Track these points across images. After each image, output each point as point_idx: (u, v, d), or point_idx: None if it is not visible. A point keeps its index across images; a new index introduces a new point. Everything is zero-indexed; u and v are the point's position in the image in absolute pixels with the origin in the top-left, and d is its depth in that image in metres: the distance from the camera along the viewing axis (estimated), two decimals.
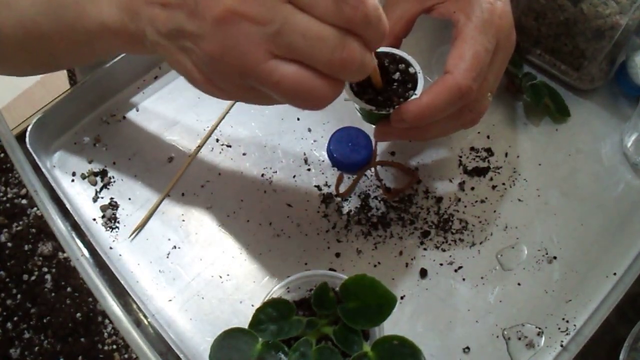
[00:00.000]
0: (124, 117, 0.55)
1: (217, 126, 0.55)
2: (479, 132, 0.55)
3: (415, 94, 0.42)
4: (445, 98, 0.40)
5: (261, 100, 0.35)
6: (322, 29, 0.31)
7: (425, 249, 0.50)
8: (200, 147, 0.54)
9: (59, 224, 0.45)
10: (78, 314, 0.47)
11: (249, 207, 0.51)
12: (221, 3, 0.30)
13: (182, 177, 0.52)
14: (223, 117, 0.55)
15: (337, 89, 0.34)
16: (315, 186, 0.52)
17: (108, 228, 0.50)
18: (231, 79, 0.33)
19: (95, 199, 0.51)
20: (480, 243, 0.50)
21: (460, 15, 0.42)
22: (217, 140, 0.54)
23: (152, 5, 0.33)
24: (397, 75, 0.43)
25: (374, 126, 0.46)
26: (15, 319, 0.46)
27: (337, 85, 0.33)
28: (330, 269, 0.48)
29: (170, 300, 0.47)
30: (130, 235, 0.49)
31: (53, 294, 0.47)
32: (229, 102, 0.56)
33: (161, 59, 0.58)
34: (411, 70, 0.44)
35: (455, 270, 0.49)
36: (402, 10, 0.45)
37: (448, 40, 0.43)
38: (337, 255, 0.49)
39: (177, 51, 0.34)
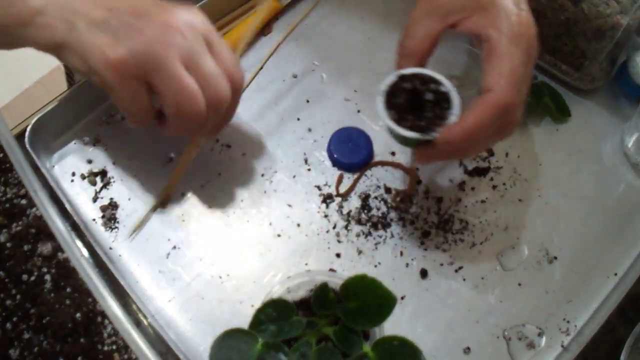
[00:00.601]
0: (124, 117, 0.55)
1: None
2: None
3: (453, 114, 0.41)
4: (491, 117, 0.40)
5: (138, 105, 0.43)
6: (222, 75, 0.42)
7: (425, 249, 0.50)
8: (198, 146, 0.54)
9: (58, 224, 0.45)
10: (78, 314, 0.46)
11: (249, 207, 0.51)
12: (171, 19, 0.41)
13: (182, 177, 0.52)
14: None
15: (212, 129, 0.47)
16: (315, 186, 0.52)
17: (108, 228, 0.50)
18: (144, 63, 0.40)
19: (95, 199, 0.51)
20: (481, 243, 0.50)
21: (492, 30, 0.41)
22: (217, 140, 0.54)
23: (93, 3, 0.41)
24: (430, 96, 0.42)
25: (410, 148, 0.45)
26: (15, 319, 0.46)
27: (214, 125, 0.45)
28: (330, 269, 0.48)
29: (170, 301, 0.47)
30: (130, 235, 0.49)
31: (53, 294, 0.47)
32: None
33: None
34: (442, 88, 0.43)
35: (456, 271, 0.49)
36: (425, 28, 0.44)
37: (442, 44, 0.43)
38: (337, 255, 0.49)
39: (97, 33, 0.40)
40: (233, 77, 0.44)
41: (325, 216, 0.51)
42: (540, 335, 0.46)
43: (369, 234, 0.50)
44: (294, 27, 0.62)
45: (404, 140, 0.43)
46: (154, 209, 0.51)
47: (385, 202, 0.51)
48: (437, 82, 0.43)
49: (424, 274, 0.49)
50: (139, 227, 0.50)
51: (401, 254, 0.49)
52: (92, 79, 0.42)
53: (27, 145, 0.50)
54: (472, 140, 0.40)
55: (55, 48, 0.42)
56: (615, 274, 0.49)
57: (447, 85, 0.43)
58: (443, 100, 0.42)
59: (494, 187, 0.53)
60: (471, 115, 0.40)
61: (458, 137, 0.40)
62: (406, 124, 0.42)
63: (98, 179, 0.52)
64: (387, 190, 0.52)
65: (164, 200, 0.51)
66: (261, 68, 0.59)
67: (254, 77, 0.58)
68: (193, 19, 0.43)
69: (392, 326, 0.46)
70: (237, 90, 0.45)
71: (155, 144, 0.54)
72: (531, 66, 0.42)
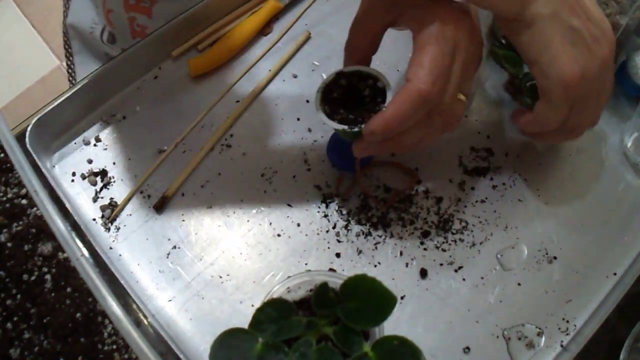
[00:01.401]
0: (124, 117, 0.55)
1: (225, 132, 0.55)
2: (479, 132, 0.55)
3: (384, 107, 0.43)
4: (408, 105, 0.40)
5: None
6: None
7: (425, 249, 0.50)
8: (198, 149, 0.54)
9: (58, 224, 0.45)
10: (78, 314, 0.46)
11: (249, 207, 0.51)
12: (608, 54, 0.42)
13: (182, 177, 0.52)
14: (232, 123, 0.55)
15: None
16: (315, 186, 0.52)
17: (108, 228, 0.50)
18: (586, 90, 0.43)
19: (95, 199, 0.51)
20: (481, 243, 0.50)
21: (414, 23, 0.42)
22: (217, 140, 0.54)
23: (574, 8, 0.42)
24: (366, 92, 0.44)
25: None
26: (15, 319, 0.46)
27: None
28: (330, 269, 0.48)
29: (170, 300, 0.47)
30: (110, 218, 0.49)
31: (53, 294, 0.47)
32: (231, 104, 0.56)
33: (160, 59, 0.58)
34: (379, 84, 0.44)
35: (456, 270, 0.49)
36: (367, 26, 0.45)
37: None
38: (337, 255, 0.49)
39: (563, 39, 0.41)
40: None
41: (325, 216, 0.51)
42: (539, 335, 0.46)
43: (369, 233, 0.50)
44: (290, 25, 0.62)
45: (341, 134, 0.45)
46: (156, 207, 0.51)
47: (385, 202, 0.51)
48: (375, 79, 0.45)
49: (423, 273, 0.49)
50: (119, 212, 0.50)
51: (401, 253, 0.49)
52: (533, 71, 0.43)
53: (28, 145, 0.50)
54: (395, 130, 0.41)
55: (514, 21, 0.42)
56: (615, 274, 0.49)
57: (384, 81, 0.44)
58: (379, 96, 0.44)
59: (494, 187, 0.53)
60: (390, 105, 0.41)
61: (380, 127, 0.41)
62: (337, 117, 0.44)
63: (98, 179, 0.52)
64: (387, 189, 0.52)
65: (163, 202, 0.51)
66: (275, 74, 0.58)
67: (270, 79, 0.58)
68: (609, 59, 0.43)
69: (392, 326, 0.46)
70: None
71: (155, 144, 0.54)
72: (464, 58, 0.42)
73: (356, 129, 0.43)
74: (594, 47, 0.42)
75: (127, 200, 0.51)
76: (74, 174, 0.52)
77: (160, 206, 0.51)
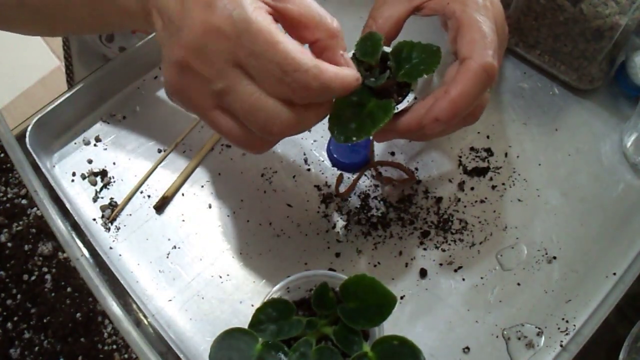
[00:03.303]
0: (124, 117, 0.55)
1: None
2: (478, 132, 0.55)
3: (412, 90, 0.41)
4: (474, 83, 0.38)
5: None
6: (261, 100, 0.35)
7: (425, 249, 0.50)
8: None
9: (59, 224, 0.45)
10: (78, 314, 0.46)
11: (249, 207, 0.51)
12: (176, 52, 0.35)
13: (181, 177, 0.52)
14: None
15: (269, 145, 0.39)
16: (315, 186, 0.52)
17: (108, 228, 0.50)
18: (184, 102, 0.38)
19: (95, 199, 0.51)
20: (480, 243, 0.50)
21: (455, 4, 0.41)
22: (217, 140, 0.54)
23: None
24: (387, 74, 0.42)
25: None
26: (15, 319, 0.46)
27: (269, 143, 0.39)
28: (330, 269, 0.49)
29: (170, 300, 0.47)
30: (110, 217, 0.49)
31: (53, 294, 0.47)
32: None
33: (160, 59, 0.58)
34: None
35: (455, 270, 0.49)
36: (391, 10, 0.44)
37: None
38: (337, 255, 0.49)
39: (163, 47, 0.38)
40: (290, 85, 0.35)
41: (325, 216, 0.51)
42: (539, 334, 0.46)
43: (369, 233, 0.50)
44: None
45: None
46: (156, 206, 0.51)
47: (385, 202, 0.51)
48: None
49: (423, 273, 0.49)
50: (120, 209, 0.50)
51: (400, 253, 0.50)
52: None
53: (28, 145, 0.50)
54: (462, 113, 0.39)
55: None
56: (614, 274, 0.49)
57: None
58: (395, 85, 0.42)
59: (494, 187, 0.53)
60: (452, 86, 0.39)
61: (446, 112, 0.38)
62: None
63: (98, 178, 0.52)
64: (379, 175, 0.52)
65: (163, 202, 0.51)
66: None
67: None
68: (208, 34, 0.35)
69: (392, 326, 0.46)
70: (302, 97, 0.36)
71: (155, 144, 0.54)
72: (501, 45, 0.41)
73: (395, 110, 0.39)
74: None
75: (127, 200, 0.51)
76: (74, 174, 0.52)
77: (160, 206, 0.51)
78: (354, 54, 0.43)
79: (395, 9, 0.44)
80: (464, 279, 0.49)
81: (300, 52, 0.34)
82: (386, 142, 0.54)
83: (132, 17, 0.41)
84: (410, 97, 0.41)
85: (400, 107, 0.41)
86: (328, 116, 0.39)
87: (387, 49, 0.43)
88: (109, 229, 0.50)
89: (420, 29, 0.49)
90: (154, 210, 0.51)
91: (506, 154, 0.54)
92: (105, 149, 0.54)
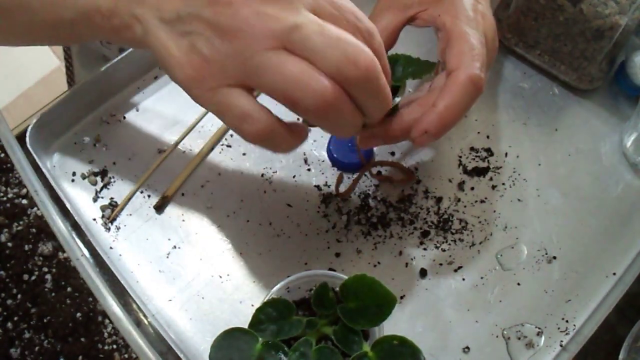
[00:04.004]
0: (124, 117, 0.55)
1: (225, 132, 0.55)
2: (478, 132, 0.55)
3: (398, 98, 0.42)
4: (462, 96, 0.39)
5: (235, 113, 0.35)
6: (340, 32, 0.32)
7: (425, 249, 0.50)
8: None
9: (59, 224, 0.45)
10: (78, 314, 0.46)
11: (249, 207, 0.51)
12: (248, 1, 0.32)
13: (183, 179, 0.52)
14: None
15: (338, 97, 0.34)
16: (315, 186, 0.52)
17: (108, 228, 0.50)
18: (232, 68, 0.33)
19: (95, 199, 0.51)
20: (480, 243, 0.50)
21: (446, 16, 0.42)
22: (217, 140, 0.54)
23: None
24: None
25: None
26: (16, 318, 0.46)
27: (340, 94, 0.34)
28: (330, 269, 0.49)
29: (170, 300, 0.47)
30: (110, 218, 0.49)
31: (53, 294, 0.47)
32: None
33: None
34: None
35: (455, 270, 0.49)
36: (385, 21, 0.45)
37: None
38: (337, 255, 0.49)
39: (174, 36, 0.34)
40: (363, 33, 0.35)
41: (325, 216, 0.51)
42: (539, 334, 0.46)
43: (369, 233, 0.50)
44: None
45: None
46: (156, 206, 0.51)
47: (385, 202, 0.51)
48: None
49: (423, 273, 0.49)
50: (120, 210, 0.50)
51: (400, 253, 0.50)
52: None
53: (28, 145, 0.50)
54: (450, 125, 0.39)
55: (143, 48, 0.37)
56: (614, 274, 0.49)
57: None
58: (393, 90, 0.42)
59: (494, 187, 0.53)
60: (440, 99, 0.39)
61: (434, 125, 0.39)
62: None
63: (98, 178, 0.52)
64: (388, 180, 0.52)
65: (164, 202, 0.51)
66: None
67: None
68: None
69: (392, 326, 0.46)
70: (376, 50, 0.35)
71: (155, 144, 0.54)
72: (489, 57, 0.42)
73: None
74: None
75: (127, 200, 0.51)
76: (74, 174, 0.52)
77: (160, 206, 0.51)
78: None
79: (390, 20, 0.45)
80: (464, 279, 0.49)
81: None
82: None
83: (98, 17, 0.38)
84: (397, 100, 0.42)
85: None
86: None
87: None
88: (109, 229, 0.50)
89: (418, 40, 0.49)
90: (154, 210, 0.51)
91: (506, 154, 0.54)
92: (105, 149, 0.54)
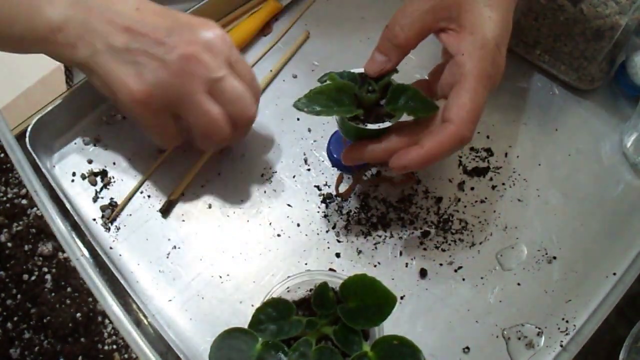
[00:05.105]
0: (124, 117, 0.55)
1: None
2: (478, 132, 0.55)
3: (388, 122, 0.43)
4: (447, 147, 0.41)
5: (165, 131, 0.47)
6: (244, 91, 0.45)
7: (425, 249, 0.50)
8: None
9: (59, 224, 0.45)
10: (78, 314, 0.46)
11: (249, 207, 0.51)
12: (191, 47, 0.42)
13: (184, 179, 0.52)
14: None
15: (236, 137, 0.47)
16: (315, 186, 0.52)
17: (108, 228, 0.50)
18: (171, 97, 0.43)
19: (95, 199, 0.51)
20: (480, 243, 0.50)
21: (468, 61, 0.41)
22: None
23: (112, 24, 0.42)
24: (376, 94, 0.44)
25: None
26: (15, 319, 0.46)
27: (238, 135, 0.47)
28: (330, 269, 0.49)
29: (170, 300, 0.47)
30: (110, 218, 0.49)
31: (53, 294, 0.47)
32: None
33: None
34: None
35: (455, 270, 0.49)
36: (421, 23, 0.44)
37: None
38: (337, 255, 0.49)
39: (121, 63, 0.42)
40: (253, 91, 0.46)
41: (325, 216, 0.51)
42: (539, 334, 0.46)
43: (369, 233, 0.50)
44: (290, 26, 0.62)
45: (348, 129, 0.45)
46: (163, 209, 0.51)
47: (385, 202, 0.51)
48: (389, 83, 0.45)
49: (423, 273, 0.49)
50: (119, 210, 0.50)
51: (400, 253, 0.50)
52: (116, 104, 0.45)
53: (28, 145, 0.50)
54: (426, 165, 0.42)
55: (78, 66, 0.44)
56: (614, 274, 0.49)
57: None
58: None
59: (494, 187, 0.53)
60: (428, 141, 0.42)
61: (414, 163, 0.42)
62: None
63: (98, 179, 0.52)
64: (387, 180, 0.52)
65: (169, 206, 0.51)
66: (276, 74, 0.59)
67: (269, 83, 0.58)
68: (212, 39, 0.44)
69: (392, 326, 0.46)
70: (256, 102, 0.48)
71: (155, 144, 0.54)
72: (485, 97, 0.43)
73: (376, 128, 0.43)
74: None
75: (127, 200, 0.51)
76: (74, 174, 0.52)
77: (166, 210, 0.51)
78: (361, 73, 0.45)
79: (425, 25, 0.44)
80: (464, 279, 0.49)
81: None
82: None
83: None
84: (386, 125, 0.43)
85: (372, 126, 0.43)
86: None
87: (395, 80, 0.45)
88: (109, 229, 0.50)
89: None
90: (158, 213, 0.51)
91: (506, 154, 0.54)
92: (105, 149, 0.54)
